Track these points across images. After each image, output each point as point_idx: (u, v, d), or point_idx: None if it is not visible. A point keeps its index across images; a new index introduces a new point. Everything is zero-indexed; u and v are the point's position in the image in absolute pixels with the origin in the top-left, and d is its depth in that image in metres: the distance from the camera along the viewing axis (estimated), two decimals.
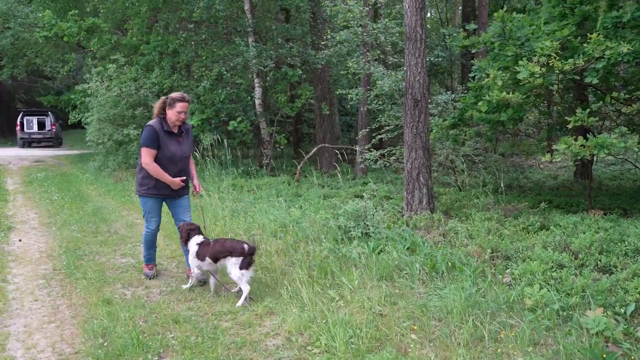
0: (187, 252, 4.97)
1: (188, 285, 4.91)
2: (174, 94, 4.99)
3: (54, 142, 26.07)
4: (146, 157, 4.88)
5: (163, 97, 5.04)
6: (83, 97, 15.16)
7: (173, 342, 3.70)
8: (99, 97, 13.35)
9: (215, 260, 4.66)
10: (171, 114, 4.93)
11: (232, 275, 4.52)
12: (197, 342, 3.67)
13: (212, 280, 4.80)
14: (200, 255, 4.74)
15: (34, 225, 7.79)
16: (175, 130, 5.01)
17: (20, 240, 6.81)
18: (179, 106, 4.89)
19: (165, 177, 4.91)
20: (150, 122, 4.97)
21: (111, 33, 15.57)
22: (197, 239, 4.83)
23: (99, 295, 4.68)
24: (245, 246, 4.56)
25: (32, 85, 34.73)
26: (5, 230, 7.32)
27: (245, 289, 4.43)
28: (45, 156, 19.64)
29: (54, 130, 25.61)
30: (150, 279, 5.15)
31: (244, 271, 4.47)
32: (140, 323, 4.04)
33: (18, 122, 25.20)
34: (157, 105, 5.03)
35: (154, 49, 13.80)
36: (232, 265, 4.51)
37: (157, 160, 4.92)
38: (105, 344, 3.67)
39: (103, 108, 13.29)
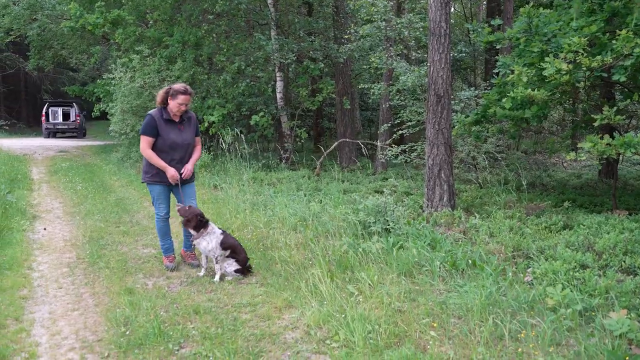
0: (188, 235, 5.23)
1: (216, 279, 4.96)
2: (177, 86, 5.11)
3: (78, 132, 26.48)
4: (143, 144, 5.07)
5: (166, 88, 5.16)
6: (107, 87, 15.36)
7: (193, 332, 3.75)
8: (122, 88, 13.51)
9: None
10: (172, 105, 5.08)
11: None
12: (217, 333, 3.71)
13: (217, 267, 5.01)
14: (224, 245, 4.98)
15: (58, 214, 7.94)
16: (177, 119, 5.17)
17: (45, 229, 6.94)
18: (181, 98, 5.04)
19: (160, 163, 5.06)
20: (151, 111, 5.18)
21: (135, 25, 15.72)
22: (217, 228, 5.07)
23: (121, 284, 4.76)
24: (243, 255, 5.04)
25: (58, 77, 35.29)
26: (30, 219, 7.48)
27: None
28: (70, 146, 19.96)
29: (78, 121, 26.01)
30: (171, 271, 5.21)
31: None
32: (162, 313, 4.10)
33: (43, 113, 25.66)
34: (160, 94, 5.17)
35: (176, 41, 13.90)
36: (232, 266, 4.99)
37: (158, 147, 5.10)
38: (128, 332, 3.73)
39: (126, 99, 13.44)
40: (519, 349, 3.27)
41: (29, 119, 36.98)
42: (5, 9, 18.75)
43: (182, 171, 5.20)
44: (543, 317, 3.56)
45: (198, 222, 4.97)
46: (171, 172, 5.08)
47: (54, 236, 6.62)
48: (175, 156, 5.17)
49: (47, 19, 18.76)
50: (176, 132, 5.16)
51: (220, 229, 5.13)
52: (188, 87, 5.15)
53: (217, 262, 4.96)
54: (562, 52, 6.08)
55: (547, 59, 6.17)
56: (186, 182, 5.33)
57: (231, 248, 5.01)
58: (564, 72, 5.96)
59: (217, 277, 4.94)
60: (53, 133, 25.99)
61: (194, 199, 5.42)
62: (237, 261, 4.99)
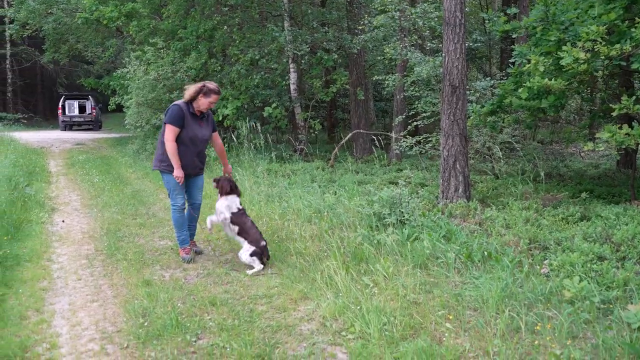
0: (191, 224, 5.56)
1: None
2: (211, 85, 5.19)
3: (94, 125, 26.72)
4: (169, 133, 5.09)
5: (200, 84, 5.18)
6: (122, 81, 15.47)
7: (210, 324, 3.79)
8: (137, 81, 13.58)
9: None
10: (203, 102, 5.17)
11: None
12: (234, 324, 3.75)
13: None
14: (233, 219, 5.30)
15: (76, 206, 8.04)
16: (198, 114, 5.25)
17: (63, 221, 7.04)
18: (213, 97, 5.19)
19: (175, 160, 5.12)
20: (177, 102, 5.20)
21: (149, 18, 15.78)
22: (238, 203, 5.39)
23: (138, 276, 4.82)
24: (263, 242, 5.16)
25: (73, 70, 35.59)
26: (49, 211, 7.59)
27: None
28: (86, 139, 20.17)
29: (94, 113, 26.23)
30: (187, 262, 5.26)
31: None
32: (179, 304, 4.15)
33: (60, 106, 25.91)
34: (192, 90, 5.19)
35: (190, 33, 13.93)
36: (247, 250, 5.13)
37: (180, 140, 5.14)
38: (146, 323, 3.78)
39: (141, 91, 13.52)
40: (536, 342, 3.26)
41: (46, 112, 37.41)
42: (22, 4, 18.94)
43: (228, 171, 5.73)
44: (560, 310, 3.54)
45: (227, 187, 5.36)
46: (179, 174, 5.14)
47: (72, 228, 6.72)
48: (194, 149, 5.27)
49: (62, 13, 18.90)
50: (198, 127, 5.25)
51: (241, 207, 5.38)
52: (219, 87, 5.31)
53: (224, 227, 5.38)
54: (579, 40, 5.99)
55: (564, 47, 6.08)
56: (197, 174, 5.44)
57: (239, 225, 5.22)
58: (581, 61, 5.88)
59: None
60: (69, 126, 26.26)
61: (201, 190, 5.61)
62: (250, 242, 5.08)
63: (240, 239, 5.18)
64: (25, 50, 33.10)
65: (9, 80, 33.05)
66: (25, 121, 28.46)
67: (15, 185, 8.29)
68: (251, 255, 5.01)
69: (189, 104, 5.20)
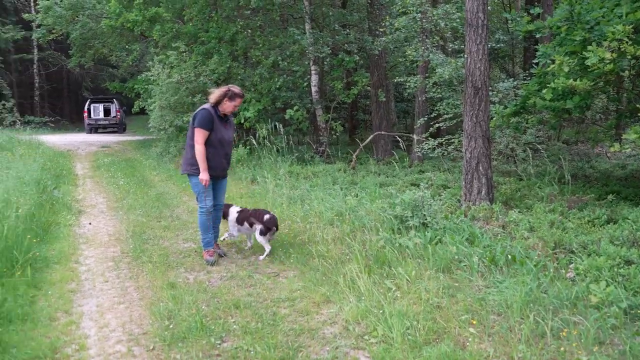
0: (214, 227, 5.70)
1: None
2: (236, 89, 5.35)
3: (119, 128, 27.17)
4: (199, 137, 5.22)
5: (225, 88, 5.31)
6: (146, 84, 15.71)
7: (234, 326, 3.83)
8: (160, 85, 13.77)
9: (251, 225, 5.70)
10: (228, 106, 5.33)
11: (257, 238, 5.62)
12: (257, 327, 3.78)
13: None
14: (239, 221, 5.75)
15: (102, 209, 8.19)
16: (223, 117, 5.41)
17: (90, 224, 7.18)
18: (238, 101, 5.36)
19: (203, 163, 5.24)
20: (205, 106, 5.34)
21: (172, 22, 15.98)
22: (236, 208, 5.86)
23: (163, 278, 4.89)
24: (267, 216, 5.56)
25: (98, 74, 36.24)
26: (76, 213, 7.74)
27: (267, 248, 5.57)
28: (111, 142, 20.51)
29: (118, 116, 26.67)
30: (211, 265, 5.33)
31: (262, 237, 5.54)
32: (203, 307, 4.20)
33: (85, 109, 26.41)
34: (217, 93, 5.32)
35: (212, 36, 14.08)
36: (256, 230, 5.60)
37: (210, 142, 5.28)
38: (171, 326, 3.84)
39: (164, 95, 13.70)
40: (561, 348, 3.23)
41: (72, 115, 38.15)
42: (49, 11, 19.36)
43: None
44: (586, 315, 3.49)
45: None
46: (206, 178, 5.25)
47: (98, 230, 6.85)
48: (222, 151, 5.40)
49: (88, 19, 19.27)
50: (223, 130, 5.41)
51: (237, 208, 5.90)
52: (243, 91, 5.50)
53: (248, 238, 5.98)
54: (605, 40, 5.90)
55: (589, 47, 5.99)
56: (223, 176, 5.61)
57: (246, 219, 5.70)
58: (607, 61, 5.79)
59: (249, 244, 5.98)
60: (95, 129, 26.73)
61: (224, 193, 5.79)
62: (261, 223, 5.56)
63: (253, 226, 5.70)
64: (52, 54, 33.82)
65: (37, 85, 33.81)
66: (52, 124, 29.06)
67: (44, 188, 8.48)
68: (260, 234, 5.51)
69: (215, 107, 5.32)
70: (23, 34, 30.58)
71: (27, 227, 5.91)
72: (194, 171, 5.33)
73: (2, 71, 31.45)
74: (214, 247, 5.62)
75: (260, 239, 5.52)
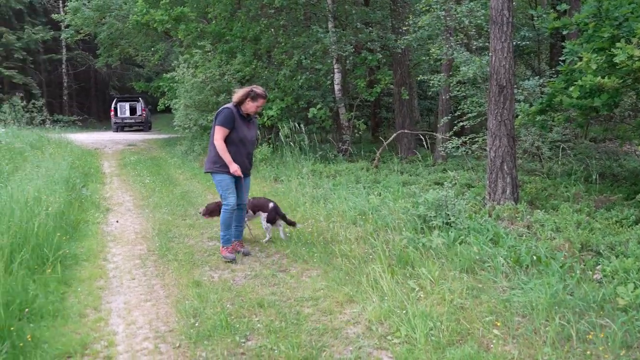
0: (238, 225, 5.83)
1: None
2: (259, 90, 5.41)
3: (144, 126, 27.59)
4: (219, 134, 5.32)
5: (247, 89, 5.37)
6: (171, 83, 15.93)
7: (258, 325, 3.88)
8: (185, 84, 13.95)
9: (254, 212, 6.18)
10: (251, 106, 5.40)
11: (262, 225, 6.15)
12: (281, 326, 3.82)
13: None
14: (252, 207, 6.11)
15: (129, 207, 8.35)
16: (246, 117, 5.48)
17: (117, 222, 7.33)
18: (261, 102, 5.43)
19: (227, 157, 5.31)
20: (228, 105, 5.44)
21: (197, 21, 16.16)
22: None
23: (189, 276, 4.97)
24: (271, 204, 6.03)
25: (125, 73, 36.85)
26: (104, 211, 7.91)
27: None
28: (137, 140, 20.84)
29: (144, 115, 27.08)
30: (231, 262, 5.40)
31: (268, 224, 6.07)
32: (228, 305, 4.26)
33: (112, 108, 26.89)
34: (240, 94, 5.40)
35: (236, 36, 14.19)
36: (262, 218, 6.11)
37: (231, 141, 5.36)
38: (197, 324, 3.91)
39: (189, 94, 13.87)
40: (588, 351, 3.19)
41: (99, 114, 38.88)
42: (77, 12, 19.75)
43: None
44: (613, 318, 3.45)
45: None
46: (234, 167, 5.31)
47: (125, 228, 6.98)
48: (244, 150, 5.48)
49: (115, 20, 19.60)
50: (246, 129, 5.48)
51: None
52: (265, 92, 5.54)
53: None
54: (634, 37, 5.78)
55: (618, 44, 5.87)
56: (246, 175, 5.64)
57: (251, 209, 6.14)
58: (636, 58, 5.67)
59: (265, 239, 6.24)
60: (121, 127, 27.18)
61: (248, 191, 5.85)
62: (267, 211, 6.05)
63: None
64: (80, 54, 34.51)
65: (65, 84, 34.56)
66: (80, 123, 29.65)
67: (73, 187, 8.67)
68: (267, 221, 6.03)
69: (237, 107, 5.40)
70: (52, 34, 31.30)
71: (57, 224, 6.07)
72: (217, 169, 5.41)
73: (32, 71, 32.25)
74: (239, 246, 5.69)
75: (264, 226, 6.09)
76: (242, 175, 5.43)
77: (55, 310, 4.15)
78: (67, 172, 9.62)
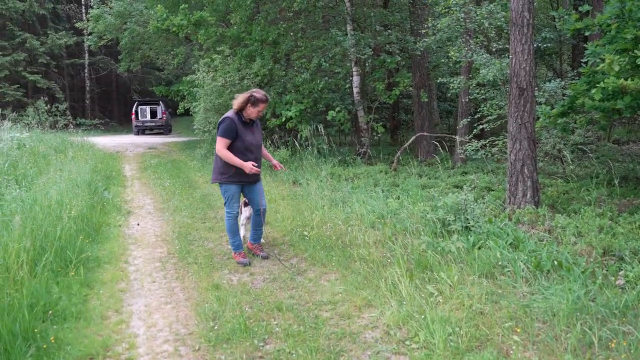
0: (257, 229, 5.86)
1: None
2: (259, 94, 5.38)
3: (165, 129, 27.92)
4: (220, 145, 5.36)
5: (247, 94, 5.40)
6: (190, 87, 16.11)
7: (277, 329, 3.90)
8: (205, 87, 14.09)
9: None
10: (253, 111, 5.39)
11: None
12: (299, 330, 3.84)
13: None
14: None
15: (149, 210, 8.45)
16: (249, 122, 5.47)
17: (138, 224, 7.43)
18: (262, 106, 5.40)
19: (235, 161, 5.32)
20: (228, 114, 5.43)
21: (216, 26, 16.31)
22: None
23: (208, 280, 5.02)
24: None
25: (146, 77, 37.34)
26: (125, 214, 8.02)
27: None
28: (157, 143, 21.08)
29: (164, 118, 27.42)
30: (245, 266, 5.44)
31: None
32: (247, 309, 4.29)
33: (133, 111, 27.28)
34: (239, 100, 5.42)
35: (255, 39, 14.29)
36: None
37: (236, 149, 5.37)
38: (216, 327, 3.95)
39: (209, 97, 14.01)
40: (610, 359, 3.14)
41: (120, 118, 39.46)
42: (99, 19, 20.12)
43: (277, 167, 5.84)
44: (636, 325, 3.39)
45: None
46: (249, 165, 5.32)
47: (146, 231, 7.07)
48: (251, 156, 5.45)
49: (136, 25, 19.91)
50: (250, 135, 5.48)
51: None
52: (267, 95, 5.49)
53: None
54: None
55: None
56: (256, 180, 5.66)
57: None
58: None
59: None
60: (142, 130, 27.56)
61: (264, 194, 5.88)
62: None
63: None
64: (102, 59, 35.08)
65: (87, 88, 35.16)
66: (102, 127, 30.14)
67: (95, 190, 8.81)
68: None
69: (239, 114, 5.42)
70: (75, 39, 31.89)
71: (79, 227, 6.18)
72: (224, 180, 5.49)
73: (55, 75, 32.85)
74: (258, 249, 5.73)
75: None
76: (259, 171, 5.45)
77: (77, 312, 4.23)
78: (90, 175, 9.78)
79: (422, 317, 3.81)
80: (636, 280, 4.06)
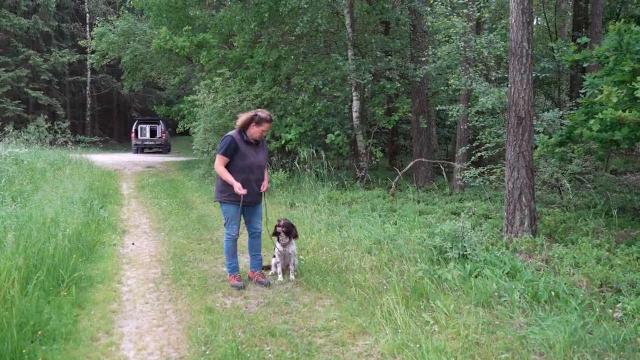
0: (255, 255, 5.76)
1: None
2: (263, 114, 5.37)
3: (164, 148, 27.96)
4: (219, 162, 5.35)
5: (251, 113, 5.40)
6: (191, 107, 16.19)
7: (269, 355, 3.84)
8: (205, 108, 14.15)
9: None
10: (256, 131, 5.37)
11: None
12: (292, 357, 3.78)
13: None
14: None
15: (145, 229, 8.40)
16: (253, 142, 5.42)
17: (133, 244, 7.37)
18: (265, 126, 5.37)
19: (229, 179, 5.28)
20: (231, 133, 5.43)
21: (219, 47, 16.48)
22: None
23: (201, 302, 4.96)
24: None
25: (147, 95, 37.56)
26: (120, 233, 7.97)
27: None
28: (156, 162, 21.07)
29: (164, 137, 27.48)
30: (239, 289, 5.37)
31: None
32: (239, 334, 4.23)
33: (133, 130, 27.34)
34: (243, 118, 5.41)
35: (256, 62, 14.42)
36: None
37: (237, 168, 5.34)
38: (208, 351, 3.88)
39: (209, 118, 14.06)
40: None
41: (120, 136, 39.57)
42: (103, 37, 20.32)
43: (262, 189, 5.57)
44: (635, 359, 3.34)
45: (295, 230, 5.87)
46: (237, 185, 5.26)
47: (141, 251, 7.01)
48: (252, 177, 5.41)
49: (139, 44, 20.10)
50: (253, 154, 5.43)
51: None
52: (271, 115, 5.46)
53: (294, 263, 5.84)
54: None
55: (639, 78, 5.83)
56: (257, 201, 5.59)
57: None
58: None
59: (292, 276, 5.81)
60: (141, 149, 27.59)
61: (261, 218, 5.73)
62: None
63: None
64: (104, 77, 35.33)
65: (88, 105, 35.32)
66: (101, 144, 30.17)
67: (91, 208, 8.76)
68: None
69: (242, 132, 5.40)
70: (77, 57, 32.14)
71: (73, 246, 6.12)
72: (224, 198, 5.44)
73: (57, 92, 33.03)
74: (260, 276, 5.66)
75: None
76: (245, 193, 5.27)
77: (67, 333, 4.16)
78: (87, 193, 9.74)
79: (417, 346, 3.76)
80: (634, 313, 4.02)
